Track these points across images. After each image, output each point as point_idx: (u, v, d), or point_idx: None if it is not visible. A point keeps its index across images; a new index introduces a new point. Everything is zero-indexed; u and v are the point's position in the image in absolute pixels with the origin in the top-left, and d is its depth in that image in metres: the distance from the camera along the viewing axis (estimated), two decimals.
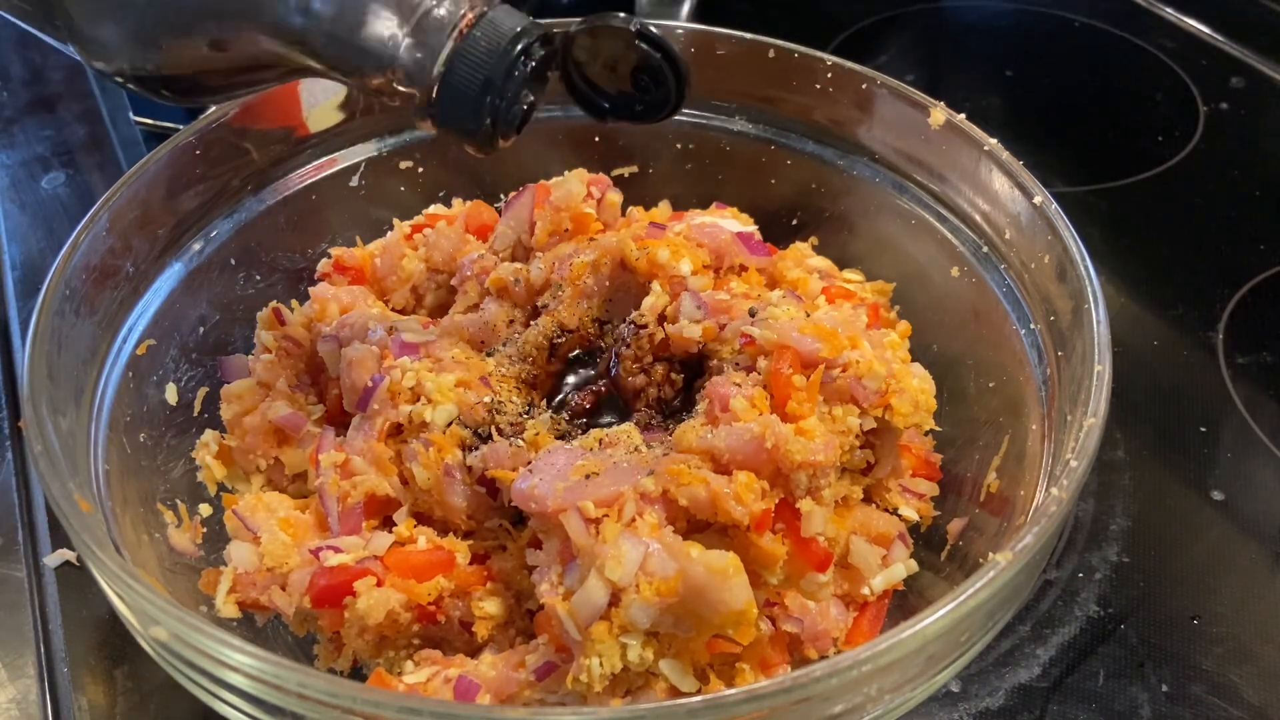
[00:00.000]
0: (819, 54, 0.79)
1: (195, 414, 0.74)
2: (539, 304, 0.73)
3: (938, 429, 0.71)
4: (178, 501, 0.68)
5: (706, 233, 0.78)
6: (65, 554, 0.74)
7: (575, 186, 0.79)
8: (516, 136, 0.58)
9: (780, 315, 0.65)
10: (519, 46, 0.54)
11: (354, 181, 0.84)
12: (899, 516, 0.69)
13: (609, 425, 0.67)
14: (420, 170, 0.86)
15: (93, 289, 0.65)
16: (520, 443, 0.64)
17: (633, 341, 0.69)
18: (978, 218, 0.74)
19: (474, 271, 0.77)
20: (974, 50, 1.36)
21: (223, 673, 0.47)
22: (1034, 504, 0.59)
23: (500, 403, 0.67)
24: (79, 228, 0.65)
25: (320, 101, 0.81)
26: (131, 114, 1.13)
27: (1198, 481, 0.81)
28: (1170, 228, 1.05)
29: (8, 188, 1.08)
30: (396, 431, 0.68)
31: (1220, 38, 1.31)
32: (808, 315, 0.67)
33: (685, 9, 1.33)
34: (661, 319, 0.70)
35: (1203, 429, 0.85)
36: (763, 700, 0.44)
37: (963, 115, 0.74)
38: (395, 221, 0.85)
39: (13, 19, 0.56)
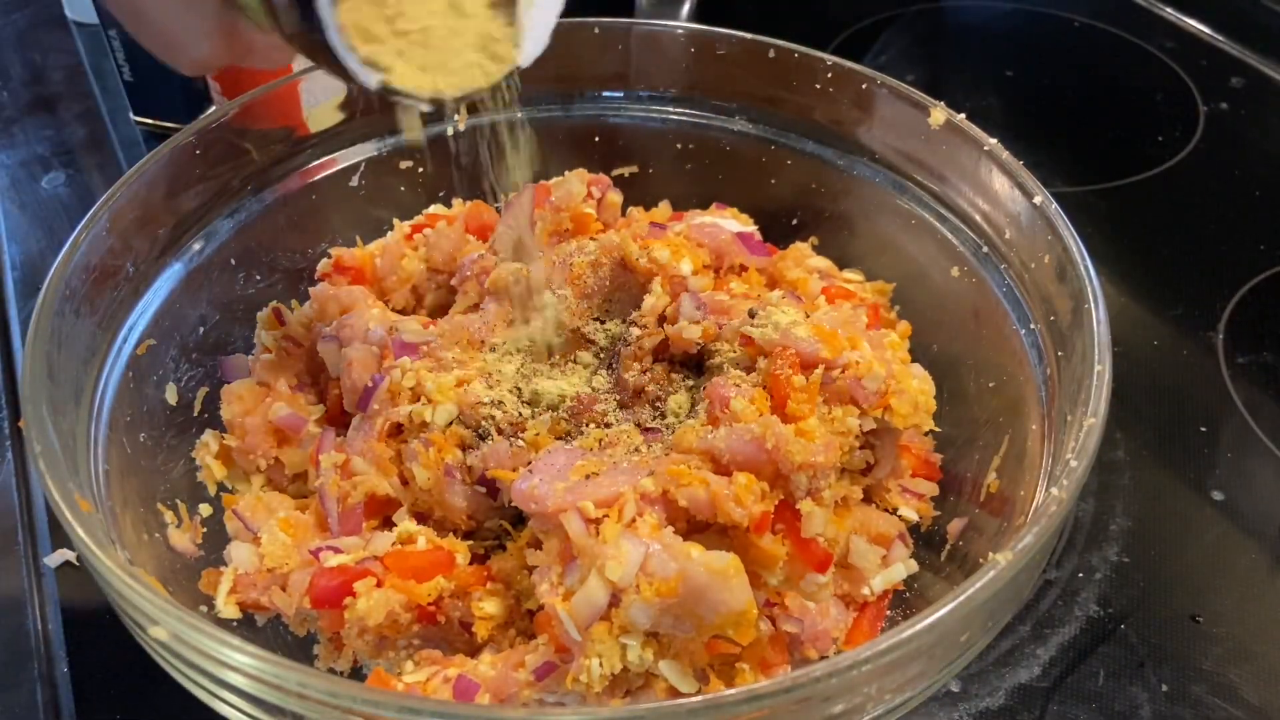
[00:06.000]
0: (819, 54, 0.79)
1: (195, 414, 0.74)
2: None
3: (937, 429, 0.71)
4: (178, 501, 0.68)
5: (706, 233, 0.78)
6: (65, 554, 0.74)
7: (575, 186, 0.79)
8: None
9: (780, 316, 0.65)
10: None
11: (354, 181, 0.84)
12: (899, 516, 0.69)
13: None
14: (420, 170, 0.86)
15: (93, 289, 0.65)
16: (520, 443, 0.64)
17: (633, 341, 0.69)
18: (978, 218, 0.74)
19: (474, 271, 0.77)
20: (974, 50, 1.36)
21: (223, 673, 0.47)
22: (1034, 504, 0.59)
23: (500, 403, 0.67)
24: (79, 228, 0.65)
25: (320, 101, 0.81)
26: (131, 114, 1.13)
27: (1198, 481, 0.81)
28: (1170, 228, 1.05)
29: (8, 188, 1.08)
30: (396, 431, 0.68)
31: (1220, 38, 1.31)
32: (807, 315, 0.67)
33: (685, 9, 1.33)
34: (661, 319, 0.70)
35: (1203, 429, 0.85)
36: (763, 700, 0.44)
37: (963, 115, 0.74)
38: (395, 221, 0.85)
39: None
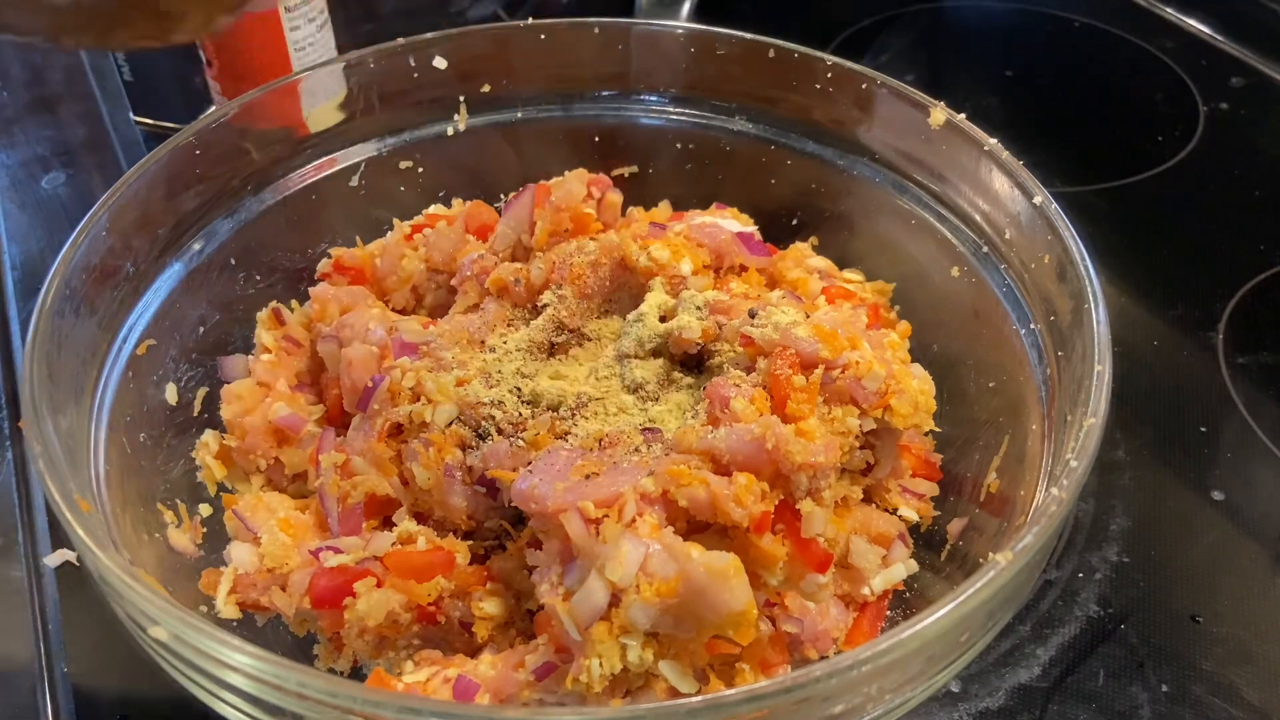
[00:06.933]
0: (819, 54, 0.79)
1: (195, 414, 0.74)
2: (539, 304, 0.73)
3: (938, 429, 0.71)
4: (178, 501, 0.68)
5: (706, 233, 0.78)
6: (65, 554, 0.74)
7: (575, 186, 0.79)
8: None
9: (780, 316, 0.65)
10: None
11: (354, 181, 0.84)
12: (899, 517, 0.69)
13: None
14: (420, 170, 0.86)
15: (93, 289, 0.65)
16: (520, 443, 0.64)
17: (633, 340, 0.69)
18: (978, 218, 0.74)
19: (474, 271, 0.77)
20: (974, 50, 1.36)
21: (223, 673, 0.47)
22: (1034, 504, 0.59)
23: (500, 403, 0.67)
24: (79, 228, 0.65)
25: (320, 101, 0.81)
26: (131, 114, 1.13)
27: (1198, 481, 0.81)
28: (1170, 228, 1.05)
29: (8, 188, 1.08)
30: (396, 431, 0.68)
31: (1220, 38, 1.31)
32: (807, 315, 0.67)
33: (685, 9, 1.33)
34: (662, 319, 0.70)
35: (1203, 429, 0.85)
36: (763, 700, 0.44)
37: (963, 115, 0.74)
38: (395, 221, 0.85)
39: None
